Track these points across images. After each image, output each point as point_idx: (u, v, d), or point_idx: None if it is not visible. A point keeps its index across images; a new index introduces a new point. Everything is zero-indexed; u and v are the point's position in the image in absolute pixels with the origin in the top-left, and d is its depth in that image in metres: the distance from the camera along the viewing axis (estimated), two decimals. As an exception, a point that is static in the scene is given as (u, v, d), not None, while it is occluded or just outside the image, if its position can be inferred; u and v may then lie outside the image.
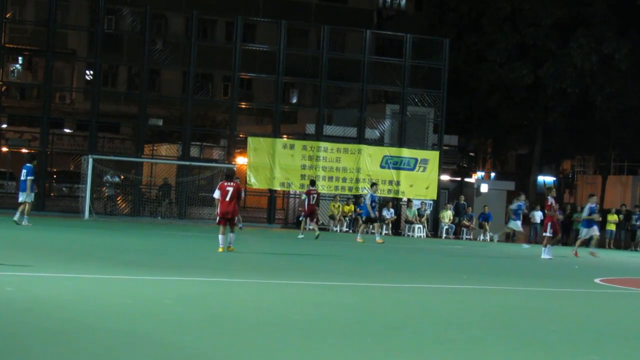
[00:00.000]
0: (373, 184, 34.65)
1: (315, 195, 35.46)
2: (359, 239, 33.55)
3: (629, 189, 58.07)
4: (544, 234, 30.57)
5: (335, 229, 44.59)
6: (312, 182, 37.09)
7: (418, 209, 46.08)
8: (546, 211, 30.49)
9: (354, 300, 14.61)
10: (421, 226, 45.46)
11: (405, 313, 13.30)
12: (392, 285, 17.57)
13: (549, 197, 30.32)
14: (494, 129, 61.47)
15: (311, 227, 35.87)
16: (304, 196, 36.56)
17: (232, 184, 23.22)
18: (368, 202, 33.26)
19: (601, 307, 16.15)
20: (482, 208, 47.27)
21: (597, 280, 21.42)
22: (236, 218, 23.47)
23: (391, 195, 46.38)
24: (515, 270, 25.50)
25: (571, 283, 21.23)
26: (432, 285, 18.45)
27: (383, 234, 44.71)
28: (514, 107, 58.62)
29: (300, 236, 34.05)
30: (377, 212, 34.46)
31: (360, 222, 36.16)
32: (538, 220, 47.46)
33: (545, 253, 29.95)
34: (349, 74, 48.11)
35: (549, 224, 30.07)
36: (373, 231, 35.37)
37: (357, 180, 45.51)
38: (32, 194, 30.48)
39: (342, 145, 45.68)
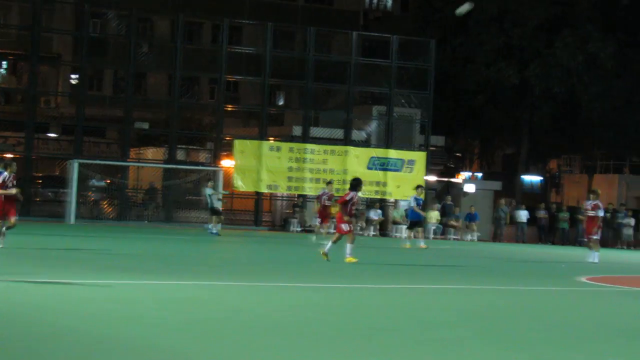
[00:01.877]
0: (419, 186, 33.60)
1: (326, 197, 33.94)
2: (407, 245, 32.99)
3: (615, 187, 58.20)
4: (593, 237, 29.38)
5: (322, 230, 44.48)
6: (328, 183, 35.23)
7: (405, 210, 46.03)
8: (589, 213, 29.18)
9: (339, 301, 14.58)
10: (406, 227, 45.37)
11: (391, 314, 13.27)
12: (377, 287, 17.53)
13: (597, 201, 29.51)
14: (480, 129, 61.55)
15: (322, 230, 34.45)
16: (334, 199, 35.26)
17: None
18: (414, 204, 32.48)
19: (586, 306, 16.16)
20: (469, 208, 47.31)
21: (582, 279, 21.43)
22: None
23: (378, 197, 46.36)
24: (500, 270, 25.49)
25: (556, 282, 21.23)
26: (418, 285, 18.43)
27: (371, 235, 44.80)
28: (500, 108, 58.70)
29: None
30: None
31: (406, 227, 34.81)
32: (524, 220, 47.53)
33: (594, 257, 28.85)
34: (335, 75, 48.07)
35: (594, 226, 29.02)
36: (417, 236, 34.24)
37: (344, 182, 45.43)
38: None
39: (329, 147, 45.65)
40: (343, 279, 18.85)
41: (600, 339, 11.71)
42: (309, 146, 45.12)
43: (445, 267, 24.91)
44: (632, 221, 47.96)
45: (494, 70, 55.17)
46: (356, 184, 22.77)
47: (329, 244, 22.29)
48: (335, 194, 34.81)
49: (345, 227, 22.16)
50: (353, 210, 22.61)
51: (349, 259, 22.11)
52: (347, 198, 22.44)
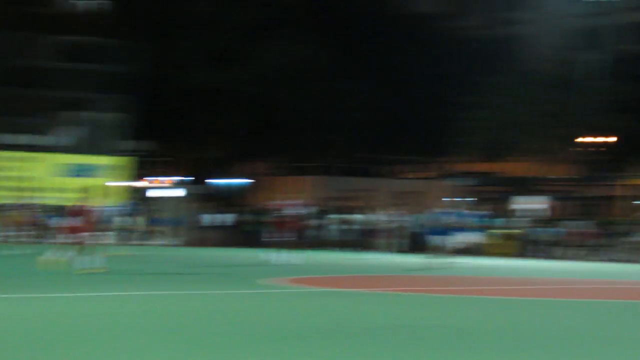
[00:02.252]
0: (122, 192, 32.69)
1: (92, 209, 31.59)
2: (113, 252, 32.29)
3: (320, 188, 59.44)
4: (288, 238, 29.41)
5: (20, 239, 42.80)
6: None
7: (108, 216, 44.99)
8: (286, 212, 29.34)
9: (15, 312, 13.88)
10: (111, 233, 44.41)
11: (70, 325, 12.70)
12: (58, 296, 16.91)
13: (295, 201, 29.66)
14: (186, 132, 61.41)
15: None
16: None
17: None
18: (119, 210, 31.76)
19: (281, 307, 16.11)
20: (173, 212, 47.01)
21: (280, 281, 21.65)
22: None
23: (78, 204, 45.09)
24: (196, 274, 25.29)
25: (249, 285, 21.21)
26: (108, 293, 17.95)
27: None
28: (205, 111, 58.70)
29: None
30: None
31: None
32: (225, 223, 47.64)
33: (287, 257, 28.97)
34: (35, 80, 46.65)
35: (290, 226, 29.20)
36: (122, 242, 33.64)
37: (41, 190, 43.79)
38: None
39: (25, 154, 43.98)
40: (31, 289, 18.08)
41: (287, 339, 11.61)
42: (4, 154, 43.31)
43: (136, 275, 24.50)
44: (336, 221, 48.90)
45: (199, 73, 55.04)
46: (92, 192, 23.39)
47: (80, 258, 21.97)
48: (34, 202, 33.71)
49: (84, 237, 22.29)
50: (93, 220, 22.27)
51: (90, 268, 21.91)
52: (92, 208, 21.96)
